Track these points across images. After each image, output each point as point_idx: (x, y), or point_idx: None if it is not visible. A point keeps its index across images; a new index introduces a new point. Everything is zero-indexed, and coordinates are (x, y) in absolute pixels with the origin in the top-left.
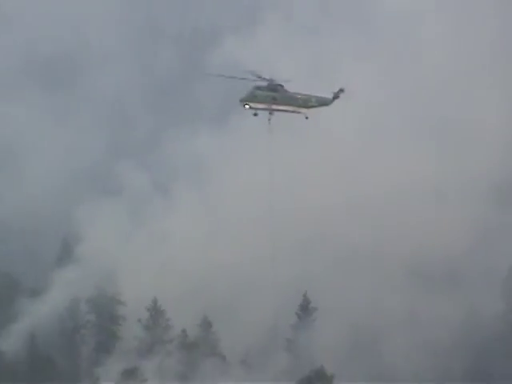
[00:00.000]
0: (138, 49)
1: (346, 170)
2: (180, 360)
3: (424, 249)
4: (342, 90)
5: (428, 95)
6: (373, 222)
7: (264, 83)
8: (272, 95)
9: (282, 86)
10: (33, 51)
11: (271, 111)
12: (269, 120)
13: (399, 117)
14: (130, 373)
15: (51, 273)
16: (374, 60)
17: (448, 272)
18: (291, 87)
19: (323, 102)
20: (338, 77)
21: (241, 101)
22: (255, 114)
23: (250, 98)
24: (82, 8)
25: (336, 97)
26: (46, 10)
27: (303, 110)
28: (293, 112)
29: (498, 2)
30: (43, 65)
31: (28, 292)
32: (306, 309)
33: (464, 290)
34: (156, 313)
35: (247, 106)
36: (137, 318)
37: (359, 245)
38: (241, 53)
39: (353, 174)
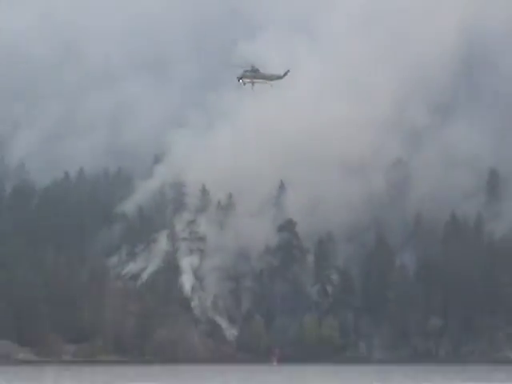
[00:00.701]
0: (196, 52)
1: (301, 106)
2: (216, 214)
3: (342, 144)
4: (288, 71)
5: (349, 71)
6: (318, 132)
7: (249, 68)
8: (253, 74)
9: (258, 69)
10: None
11: (252, 83)
12: (252, 86)
13: (330, 82)
14: (191, 222)
15: (151, 169)
16: (317, 53)
17: (356, 160)
18: (263, 70)
19: (278, 77)
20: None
21: (237, 77)
22: (244, 84)
23: (242, 76)
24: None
25: (285, 74)
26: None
27: (269, 82)
28: (264, 83)
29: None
30: (148, 62)
31: (137, 180)
32: (282, 187)
33: (366, 173)
34: (204, 191)
35: (240, 81)
36: (194, 195)
37: (314, 146)
38: (246, 52)
39: (303, 108)
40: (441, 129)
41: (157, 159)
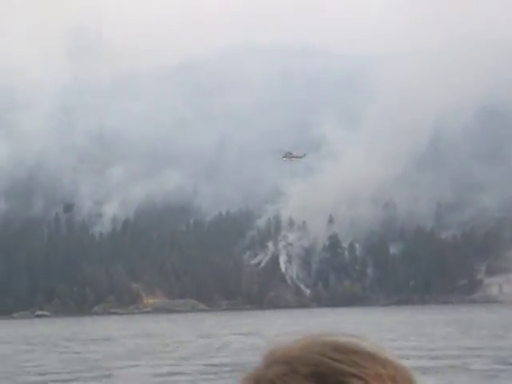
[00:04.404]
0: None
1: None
2: (296, 232)
3: None
4: (305, 154)
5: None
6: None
7: (287, 153)
8: (289, 155)
9: (291, 153)
10: None
11: (290, 160)
12: (290, 161)
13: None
14: (284, 235)
15: (266, 205)
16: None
17: None
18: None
19: (301, 157)
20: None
21: (282, 157)
22: (285, 160)
23: (284, 156)
24: None
25: (304, 155)
26: None
27: (297, 160)
28: (295, 160)
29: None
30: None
31: (260, 209)
32: (332, 220)
33: None
34: (290, 220)
35: (284, 159)
36: (286, 221)
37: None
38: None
39: None
40: None
41: (271, 199)
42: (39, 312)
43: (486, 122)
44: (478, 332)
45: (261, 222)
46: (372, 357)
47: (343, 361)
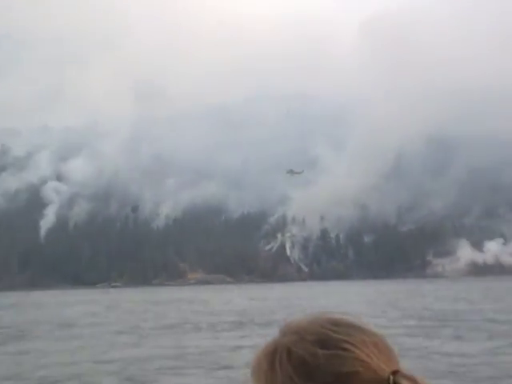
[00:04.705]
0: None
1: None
2: (298, 226)
3: None
4: (303, 170)
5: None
6: None
7: (289, 169)
8: (290, 171)
9: (292, 170)
10: None
11: (292, 174)
12: (292, 176)
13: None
14: (289, 228)
15: (277, 206)
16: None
17: None
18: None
19: (300, 173)
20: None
21: (286, 172)
22: (289, 175)
23: (288, 172)
24: None
25: (302, 171)
26: None
27: (297, 174)
28: (296, 175)
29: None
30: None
31: (273, 208)
32: (323, 218)
33: None
34: (294, 218)
35: (288, 173)
36: (291, 217)
37: None
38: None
39: None
40: None
41: (280, 202)
42: (114, 284)
43: (434, 147)
44: (425, 299)
45: (272, 219)
46: (359, 328)
47: (339, 331)
